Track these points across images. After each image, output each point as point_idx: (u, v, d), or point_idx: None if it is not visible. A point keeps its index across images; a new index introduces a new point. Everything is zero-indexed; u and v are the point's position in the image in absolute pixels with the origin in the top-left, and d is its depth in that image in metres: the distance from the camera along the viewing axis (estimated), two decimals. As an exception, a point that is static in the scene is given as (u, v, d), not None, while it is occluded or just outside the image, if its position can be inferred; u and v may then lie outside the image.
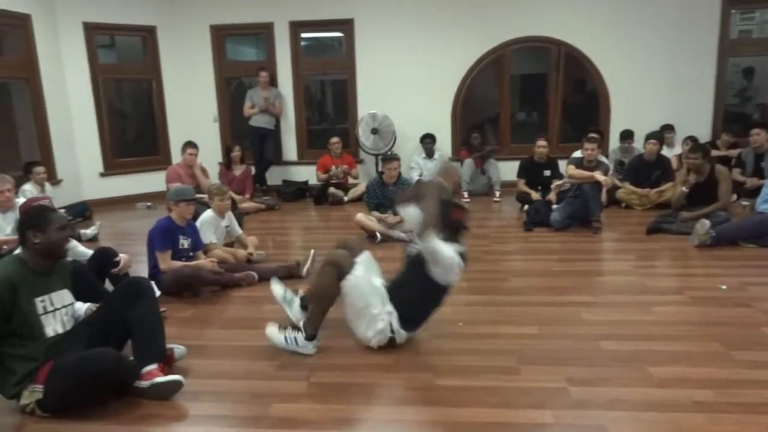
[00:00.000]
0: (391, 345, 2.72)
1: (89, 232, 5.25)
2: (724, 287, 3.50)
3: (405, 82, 7.18)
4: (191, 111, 7.50)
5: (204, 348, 2.87)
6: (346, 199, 6.70)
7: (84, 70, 6.84)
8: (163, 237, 3.63)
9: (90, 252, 3.54)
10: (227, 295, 3.66)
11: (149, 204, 6.78)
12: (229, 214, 4.42)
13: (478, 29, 7.00)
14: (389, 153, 6.26)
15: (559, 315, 3.16)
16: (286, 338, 2.72)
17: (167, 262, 3.60)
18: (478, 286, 3.70)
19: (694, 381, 2.38)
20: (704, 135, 6.77)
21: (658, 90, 6.92)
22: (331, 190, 6.75)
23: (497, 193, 6.65)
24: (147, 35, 7.26)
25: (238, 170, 6.60)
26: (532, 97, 7.76)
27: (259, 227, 5.59)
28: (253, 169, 6.96)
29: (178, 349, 2.65)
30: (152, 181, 6.97)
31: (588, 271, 3.99)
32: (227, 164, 6.62)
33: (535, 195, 5.83)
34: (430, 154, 7.04)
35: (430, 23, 7.05)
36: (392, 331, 2.69)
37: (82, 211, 6.19)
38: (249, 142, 7.09)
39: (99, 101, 6.98)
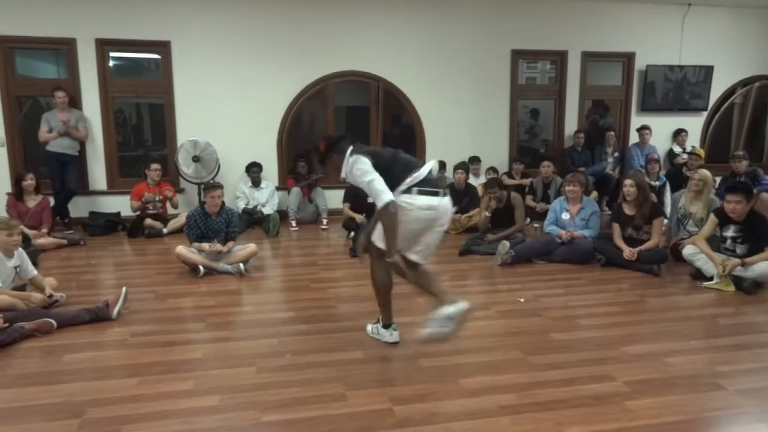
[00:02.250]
0: None
1: None
2: (522, 300, 3.99)
3: (228, 109, 6.99)
4: (-31, 133, 6.42)
5: (-19, 414, 2.42)
6: (165, 231, 6.26)
7: None
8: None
9: None
10: (14, 347, 3.13)
11: None
12: (20, 252, 3.84)
13: (302, 60, 7.12)
14: (211, 181, 6.01)
15: (383, 337, 3.28)
16: (371, 329, 3.27)
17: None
18: (306, 315, 3.70)
19: (499, 387, 2.64)
20: (502, 165, 7.73)
21: (466, 126, 7.72)
22: (148, 221, 6.25)
23: (325, 221, 6.77)
24: None
25: (32, 201, 5.79)
26: (355, 128, 8.10)
27: (60, 266, 4.95)
28: (51, 200, 6.16)
29: None
30: None
31: (409, 293, 4.20)
32: (18, 195, 5.77)
33: (360, 218, 6.02)
34: (256, 182, 6.92)
35: (253, 51, 6.99)
36: None
37: None
38: (47, 170, 6.27)
39: None
